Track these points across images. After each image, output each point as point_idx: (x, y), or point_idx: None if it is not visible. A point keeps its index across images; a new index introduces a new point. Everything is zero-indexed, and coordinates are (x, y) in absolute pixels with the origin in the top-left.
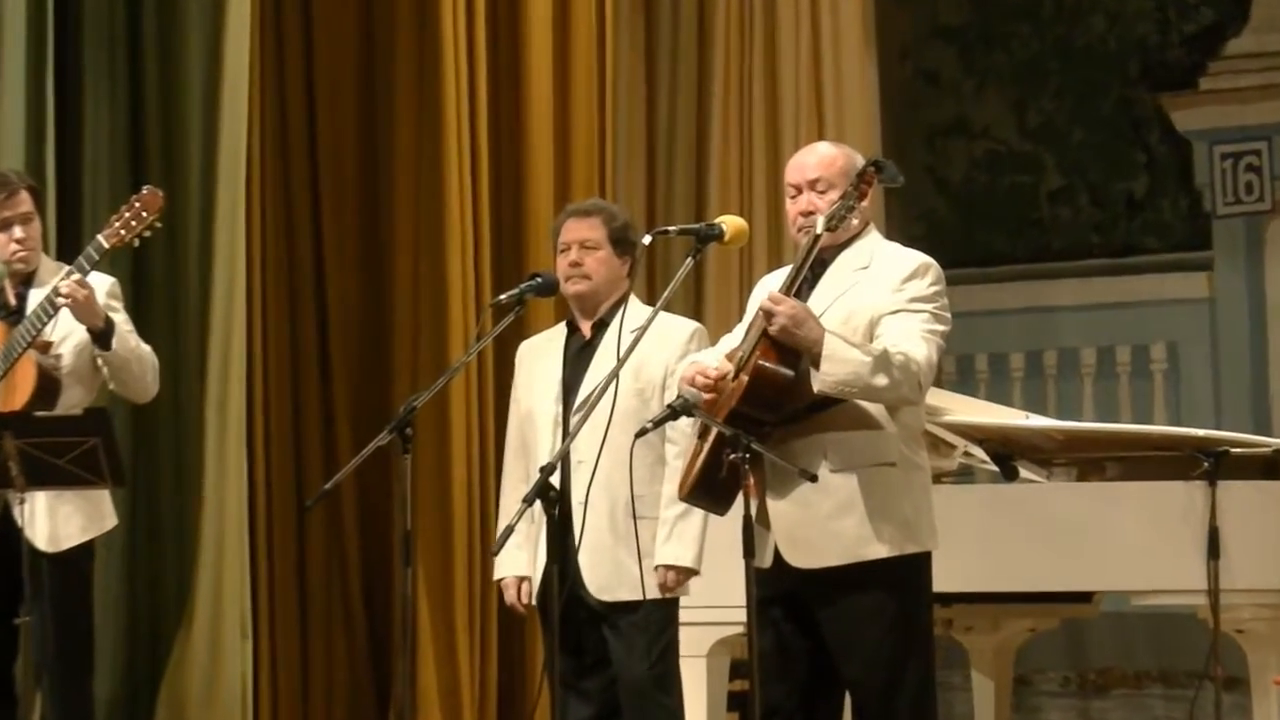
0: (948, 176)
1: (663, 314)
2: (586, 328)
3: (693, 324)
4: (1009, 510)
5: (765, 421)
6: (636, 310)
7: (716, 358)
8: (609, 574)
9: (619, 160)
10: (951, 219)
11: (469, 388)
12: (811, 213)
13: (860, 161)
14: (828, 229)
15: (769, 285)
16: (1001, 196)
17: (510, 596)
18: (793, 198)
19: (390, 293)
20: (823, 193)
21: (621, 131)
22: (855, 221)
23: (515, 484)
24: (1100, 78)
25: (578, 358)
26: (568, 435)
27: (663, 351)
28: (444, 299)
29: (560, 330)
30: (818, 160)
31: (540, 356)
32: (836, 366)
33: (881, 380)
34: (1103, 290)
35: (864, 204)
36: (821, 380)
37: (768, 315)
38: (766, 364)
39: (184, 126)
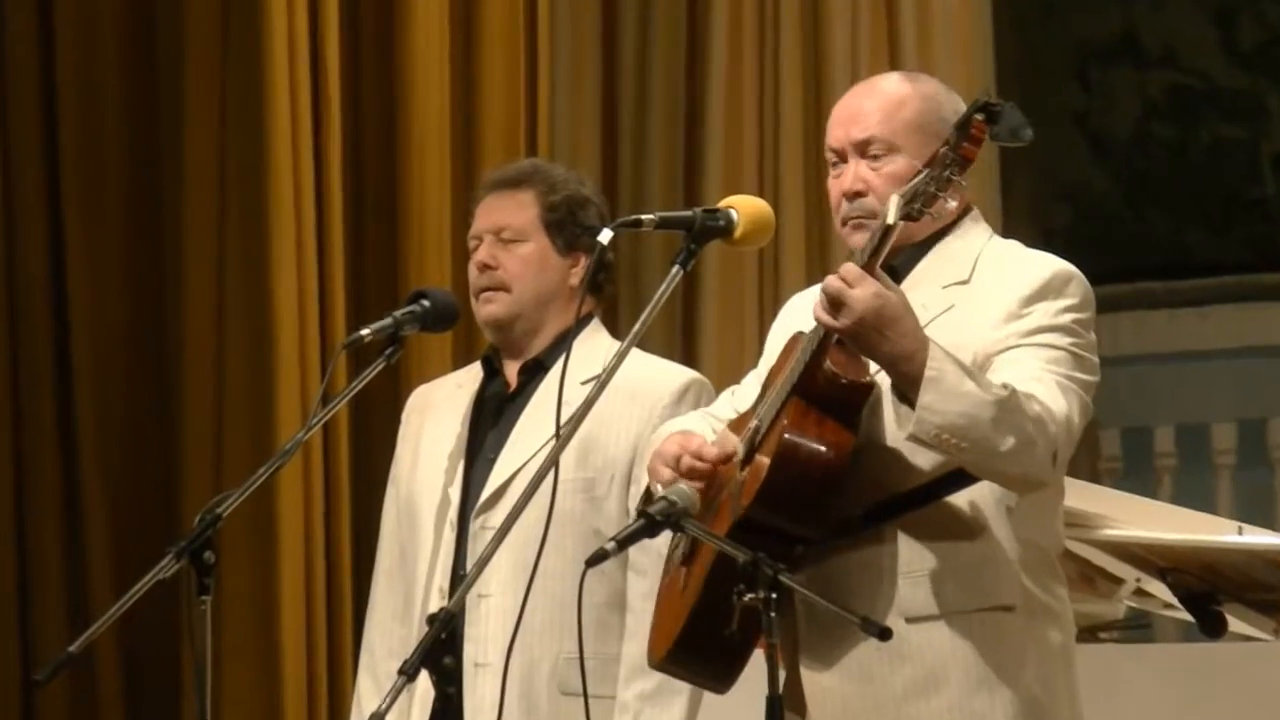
0: (1108, 130)
1: (637, 356)
2: (512, 372)
3: (685, 373)
4: (1211, 685)
5: (798, 537)
6: (599, 346)
7: (713, 426)
8: None
9: (558, 105)
10: (1113, 201)
11: (309, 483)
12: (862, 194)
13: (956, 106)
14: (905, 217)
15: (801, 312)
16: (1197, 163)
17: None
18: (834, 165)
19: (179, 329)
20: (878, 157)
21: (562, 60)
22: (953, 204)
23: (386, 624)
24: None
25: (494, 420)
26: (464, 546)
27: (629, 419)
28: (267, 338)
29: (474, 373)
30: (876, 105)
31: (437, 414)
32: (947, 400)
33: (1007, 439)
34: None
35: (965, 177)
36: (919, 420)
37: (832, 305)
38: (801, 439)
39: None
